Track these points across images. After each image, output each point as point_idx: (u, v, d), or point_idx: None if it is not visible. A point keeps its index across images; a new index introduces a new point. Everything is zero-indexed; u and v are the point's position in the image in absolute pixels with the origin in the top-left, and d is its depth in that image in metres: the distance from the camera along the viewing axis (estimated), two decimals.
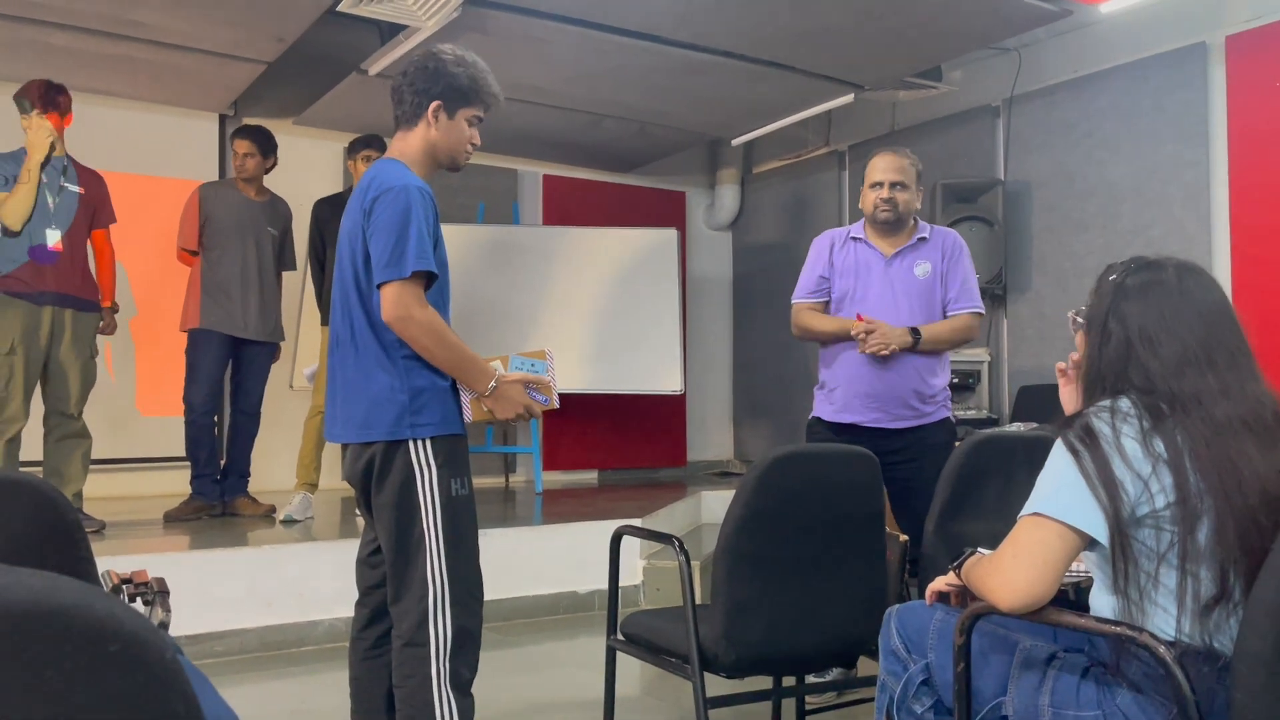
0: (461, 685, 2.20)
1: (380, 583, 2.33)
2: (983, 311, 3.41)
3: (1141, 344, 1.59)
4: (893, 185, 3.31)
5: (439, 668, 2.17)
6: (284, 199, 5.10)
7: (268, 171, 4.99)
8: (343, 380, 2.29)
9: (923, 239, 3.38)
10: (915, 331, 3.26)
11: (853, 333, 3.27)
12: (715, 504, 6.00)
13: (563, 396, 8.04)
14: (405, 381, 2.20)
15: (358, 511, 2.43)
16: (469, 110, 2.33)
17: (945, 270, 3.36)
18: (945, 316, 3.37)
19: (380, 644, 2.34)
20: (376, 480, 2.23)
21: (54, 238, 4.27)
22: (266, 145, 4.93)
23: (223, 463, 5.01)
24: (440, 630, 2.18)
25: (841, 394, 3.36)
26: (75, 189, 4.39)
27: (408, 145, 2.33)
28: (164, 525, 4.70)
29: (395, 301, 2.15)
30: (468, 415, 2.27)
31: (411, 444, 2.20)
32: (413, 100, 2.30)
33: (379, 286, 2.17)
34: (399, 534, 2.21)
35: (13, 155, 4.31)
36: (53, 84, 4.32)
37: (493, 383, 2.23)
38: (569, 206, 7.33)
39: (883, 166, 3.35)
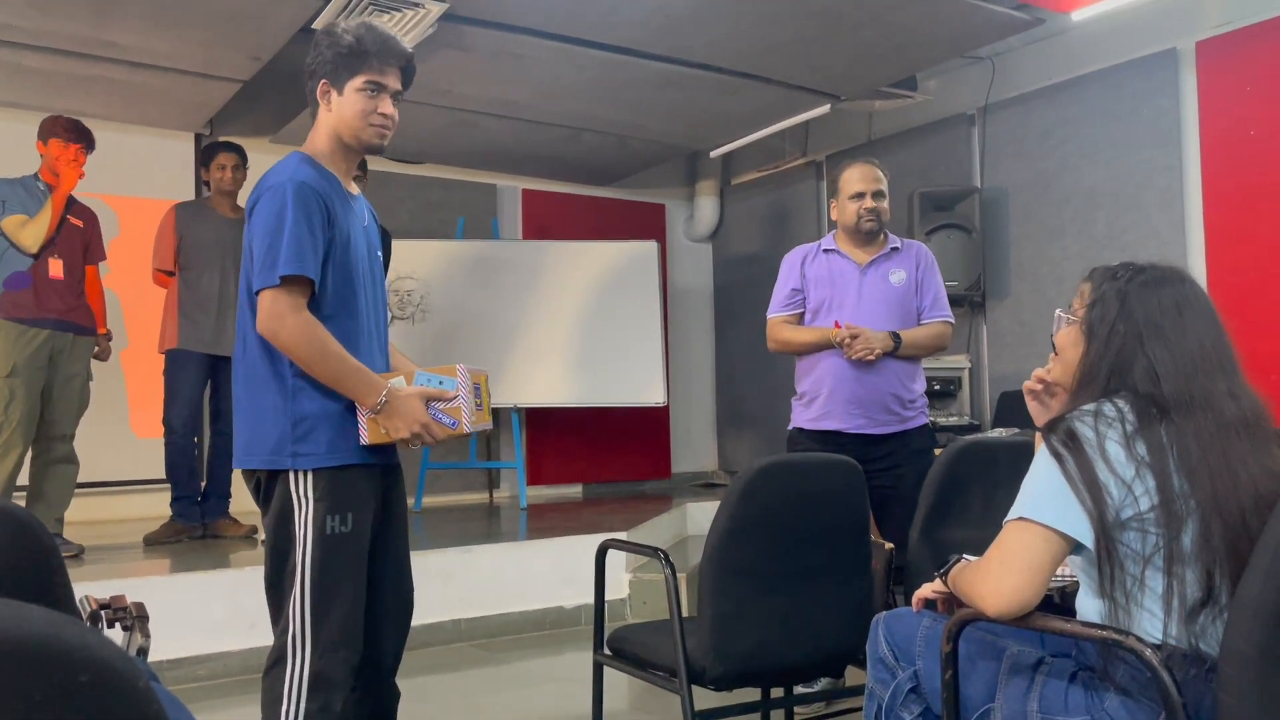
0: None
1: None
2: (953, 321, 3.48)
3: (1155, 343, 1.59)
4: (875, 195, 3.37)
5: (289, 709, 2.02)
6: None
7: None
8: (236, 399, 2.13)
9: (895, 249, 3.44)
10: (896, 336, 3.32)
11: (835, 339, 3.29)
12: (700, 515, 5.99)
13: (546, 411, 7.99)
14: (291, 405, 2.04)
15: None
16: (358, 79, 2.07)
17: (920, 279, 3.42)
18: (920, 324, 3.43)
19: None
20: (262, 509, 2.12)
21: (55, 267, 4.36)
22: (245, 158, 4.96)
23: (203, 484, 4.97)
24: (295, 671, 2.03)
25: (823, 402, 3.37)
26: (74, 221, 4.48)
27: (314, 134, 2.15)
28: (144, 548, 4.65)
29: (267, 311, 1.98)
30: (364, 437, 2.07)
31: (291, 475, 2.04)
32: (307, 86, 2.13)
33: (255, 295, 2.01)
34: (273, 567, 2.09)
35: (20, 181, 4.38)
36: (77, 120, 4.46)
37: (382, 396, 2.03)
38: (548, 220, 7.32)
39: (862, 177, 3.38)
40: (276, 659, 2.06)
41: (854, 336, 3.26)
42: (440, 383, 2.11)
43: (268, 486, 2.09)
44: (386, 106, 2.11)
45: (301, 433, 2.04)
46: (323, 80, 2.10)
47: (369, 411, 2.06)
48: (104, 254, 4.70)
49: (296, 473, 2.05)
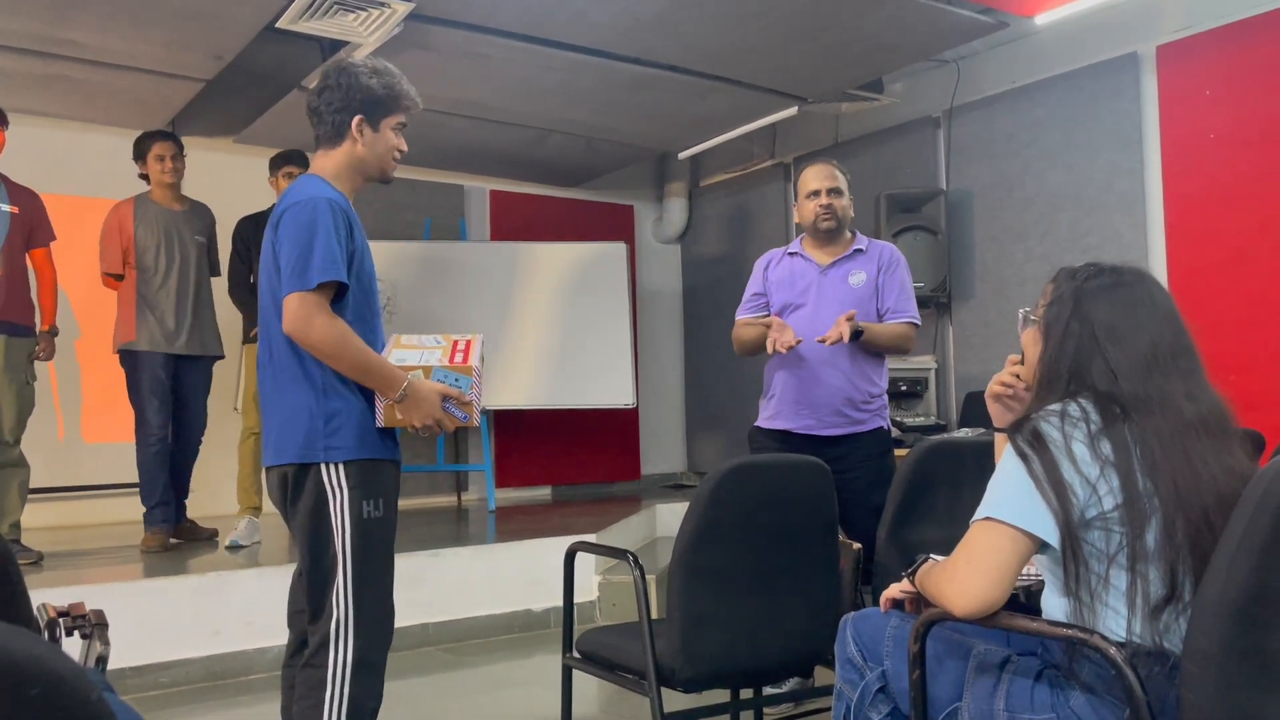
0: (361, 715, 2.15)
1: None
2: (919, 323, 3.41)
3: (1110, 342, 1.61)
4: (830, 192, 3.34)
5: (334, 693, 2.13)
6: (204, 204, 4.90)
7: None
8: (264, 400, 2.28)
9: (859, 250, 3.41)
10: (859, 327, 3.17)
11: (775, 345, 3.19)
12: (669, 517, 5.99)
13: (515, 413, 7.98)
14: (321, 402, 2.16)
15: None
16: (392, 119, 2.29)
17: (882, 281, 3.36)
18: None
19: None
20: (290, 502, 2.21)
21: None
22: (182, 147, 4.79)
23: None
24: (340, 656, 2.14)
25: (776, 401, 3.39)
26: (7, 208, 4.27)
27: (330, 161, 2.29)
28: (116, 555, 4.55)
29: (295, 313, 2.11)
30: (379, 420, 2.20)
31: (323, 466, 2.16)
32: (334, 119, 2.26)
33: (284, 299, 2.14)
34: (313, 557, 2.18)
35: None
36: None
37: (403, 388, 2.17)
38: (517, 222, 7.30)
39: (816, 175, 3.38)
40: (320, 646, 2.16)
41: (784, 335, 3.18)
42: (456, 380, 2.25)
43: (297, 481, 2.18)
44: (403, 143, 2.34)
45: (332, 428, 2.16)
46: (359, 116, 2.25)
47: (388, 400, 2.19)
48: (53, 234, 4.47)
49: (329, 464, 2.16)
